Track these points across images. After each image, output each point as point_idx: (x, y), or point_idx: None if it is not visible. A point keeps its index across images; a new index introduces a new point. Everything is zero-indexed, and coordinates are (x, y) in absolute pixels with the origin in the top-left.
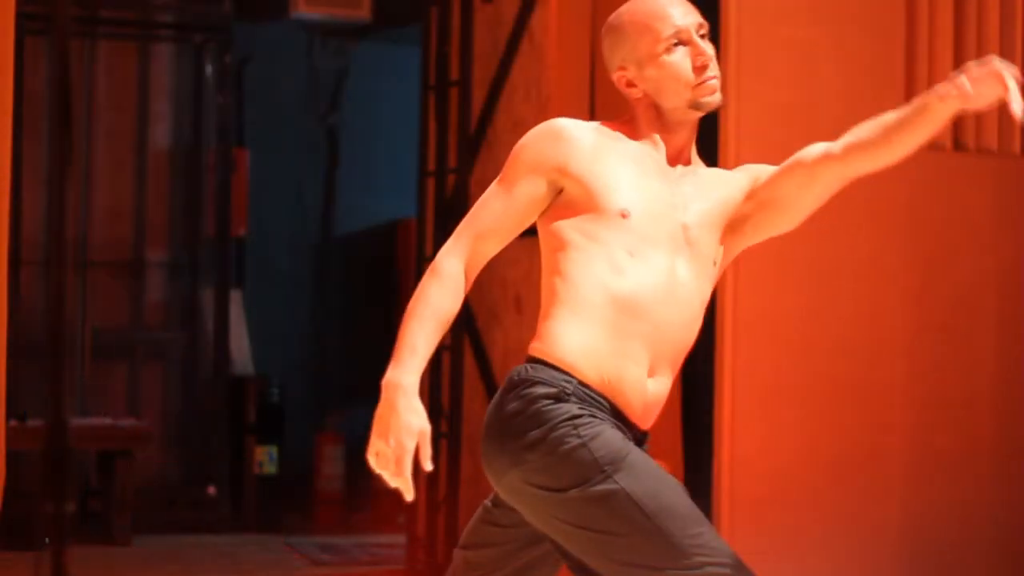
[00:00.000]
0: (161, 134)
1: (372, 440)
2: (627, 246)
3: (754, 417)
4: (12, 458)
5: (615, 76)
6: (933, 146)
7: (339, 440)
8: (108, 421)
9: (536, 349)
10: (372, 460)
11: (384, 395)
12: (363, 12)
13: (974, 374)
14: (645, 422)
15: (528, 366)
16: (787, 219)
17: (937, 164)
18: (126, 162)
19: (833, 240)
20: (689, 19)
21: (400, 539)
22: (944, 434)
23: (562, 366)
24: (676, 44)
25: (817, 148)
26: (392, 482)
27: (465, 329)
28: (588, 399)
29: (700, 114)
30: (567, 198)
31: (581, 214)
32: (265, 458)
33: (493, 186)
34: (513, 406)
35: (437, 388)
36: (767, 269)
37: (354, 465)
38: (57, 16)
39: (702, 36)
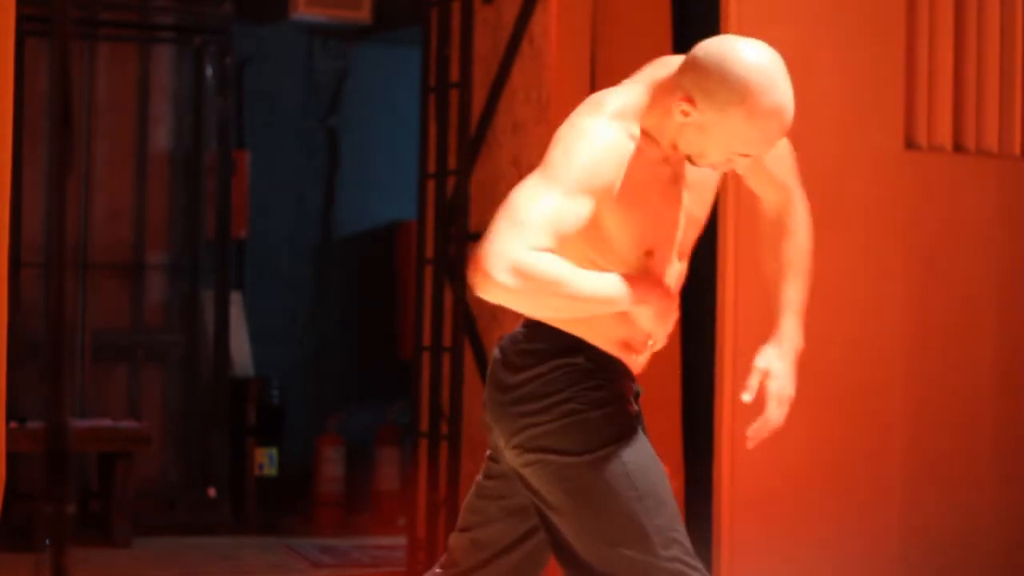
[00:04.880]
0: (161, 136)
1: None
2: (641, 266)
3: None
4: (12, 460)
5: (680, 96)
6: (933, 147)
7: (339, 442)
8: (108, 423)
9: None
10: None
11: (641, 284)
12: (363, 14)
13: (974, 374)
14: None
15: (537, 328)
16: None
17: (938, 165)
18: (126, 164)
19: (833, 241)
20: (773, 144)
21: (400, 541)
22: (944, 434)
23: (572, 330)
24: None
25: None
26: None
27: (465, 330)
28: (599, 360)
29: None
30: (593, 216)
31: (601, 238)
32: (265, 460)
33: (559, 184)
34: (533, 370)
35: (437, 389)
36: None
37: (354, 467)
38: (57, 18)
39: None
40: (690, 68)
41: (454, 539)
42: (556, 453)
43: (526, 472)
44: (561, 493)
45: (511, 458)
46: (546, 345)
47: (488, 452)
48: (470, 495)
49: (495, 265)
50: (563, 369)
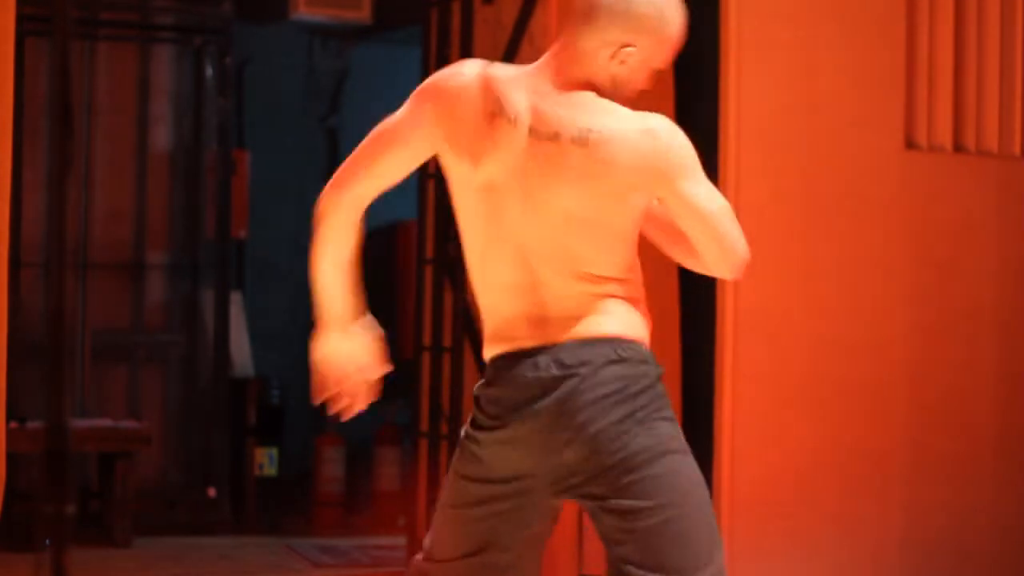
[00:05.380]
0: (161, 136)
1: None
2: None
3: (754, 417)
4: (12, 460)
5: (614, 48)
6: (933, 147)
7: (339, 442)
8: (108, 423)
9: (630, 330)
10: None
11: None
12: (363, 14)
13: (975, 374)
14: None
15: (633, 346)
16: None
17: (937, 165)
18: (126, 164)
19: (834, 240)
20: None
21: (400, 541)
22: (944, 434)
23: (647, 341)
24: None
25: None
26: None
27: (465, 329)
28: None
29: None
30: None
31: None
32: (265, 460)
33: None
34: (643, 382)
35: (437, 389)
36: (767, 269)
37: (354, 467)
38: (57, 17)
39: None
40: (605, 19)
41: (456, 568)
42: (658, 451)
43: (616, 469)
44: (652, 488)
45: (600, 459)
46: (636, 355)
47: (492, 481)
48: (465, 521)
49: (745, 250)
50: (653, 378)
